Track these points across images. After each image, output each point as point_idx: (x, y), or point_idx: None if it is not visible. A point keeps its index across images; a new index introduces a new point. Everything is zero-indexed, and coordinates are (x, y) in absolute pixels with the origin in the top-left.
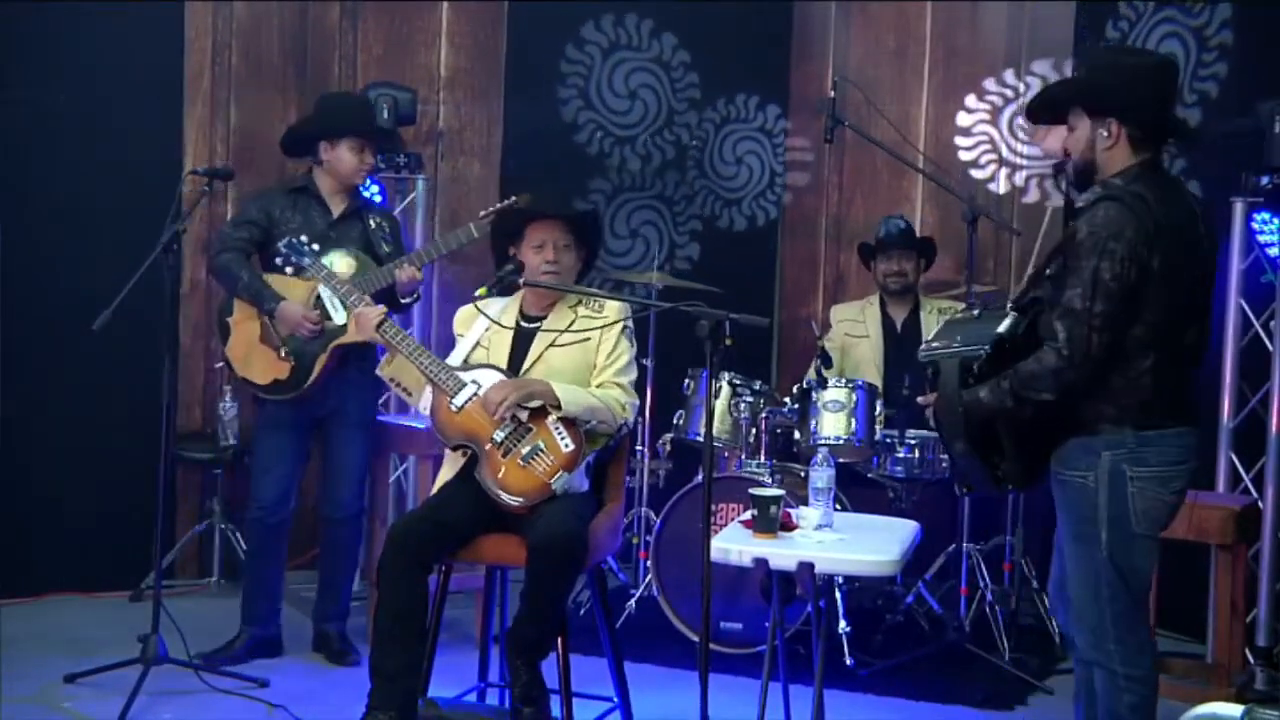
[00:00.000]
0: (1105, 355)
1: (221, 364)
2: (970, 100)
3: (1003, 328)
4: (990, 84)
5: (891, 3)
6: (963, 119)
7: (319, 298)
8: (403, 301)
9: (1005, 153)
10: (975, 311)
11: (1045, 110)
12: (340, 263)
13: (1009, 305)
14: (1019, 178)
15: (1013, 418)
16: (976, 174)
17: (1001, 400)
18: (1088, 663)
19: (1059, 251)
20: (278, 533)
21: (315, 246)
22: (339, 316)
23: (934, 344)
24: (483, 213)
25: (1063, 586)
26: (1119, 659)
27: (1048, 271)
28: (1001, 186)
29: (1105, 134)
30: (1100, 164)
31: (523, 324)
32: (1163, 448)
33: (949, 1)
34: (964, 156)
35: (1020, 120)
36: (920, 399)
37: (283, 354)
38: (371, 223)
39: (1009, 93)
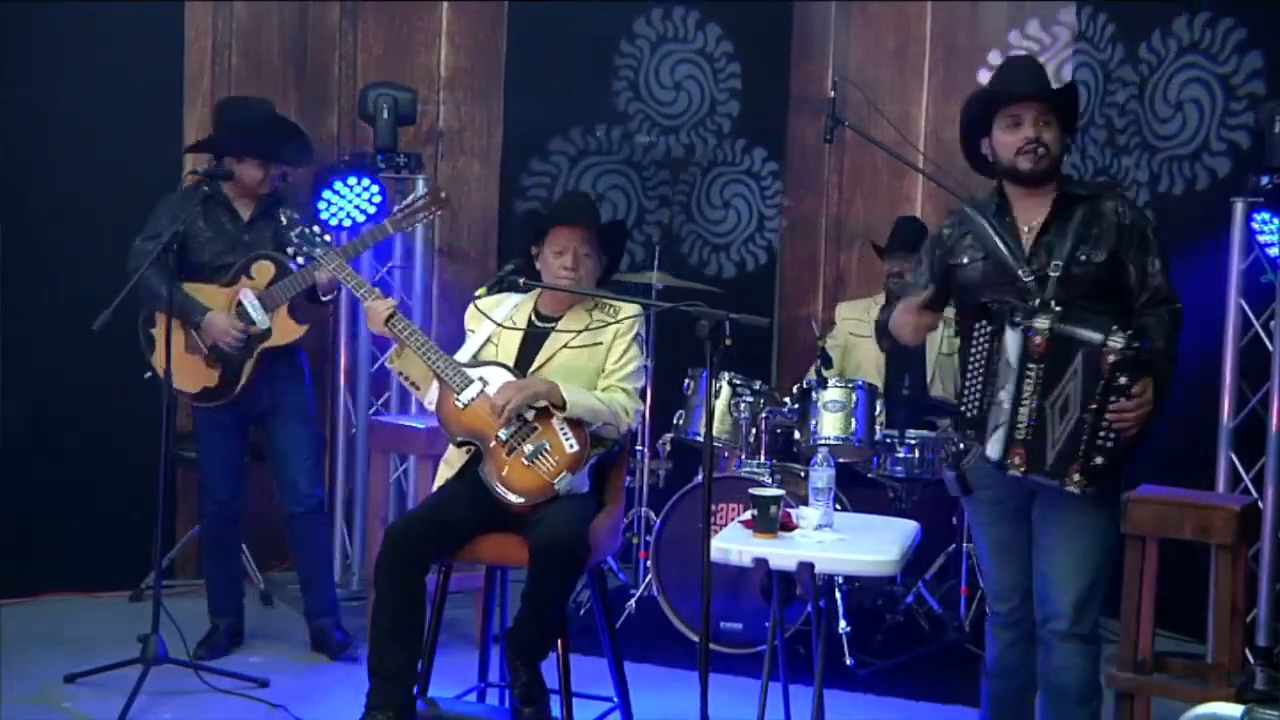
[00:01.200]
0: None
1: (149, 374)
2: (994, 57)
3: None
4: (1014, 37)
5: (891, 3)
6: (986, 77)
7: (240, 305)
8: (323, 299)
9: None
10: (1057, 308)
11: (1062, 104)
12: (259, 269)
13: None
14: None
15: None
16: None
17: (1172, 365)
18: (1069, 637)
19: (1085, 239)
20: (235, 525)
21: (328, 238)
22: (262, 321)
23: (1115, 335)
24: (399, 207)
25: (1024, 581)
26: (1096, 627)
27: (1084, 258)
28: None
29: (1065, 142)
30: (1055, 168)
31: (535, 324)
32: None
33: (949, 1)
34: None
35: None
36: (1136, 388)
37: (209, 361)
38: (283, 219)
39: (1034, 45)
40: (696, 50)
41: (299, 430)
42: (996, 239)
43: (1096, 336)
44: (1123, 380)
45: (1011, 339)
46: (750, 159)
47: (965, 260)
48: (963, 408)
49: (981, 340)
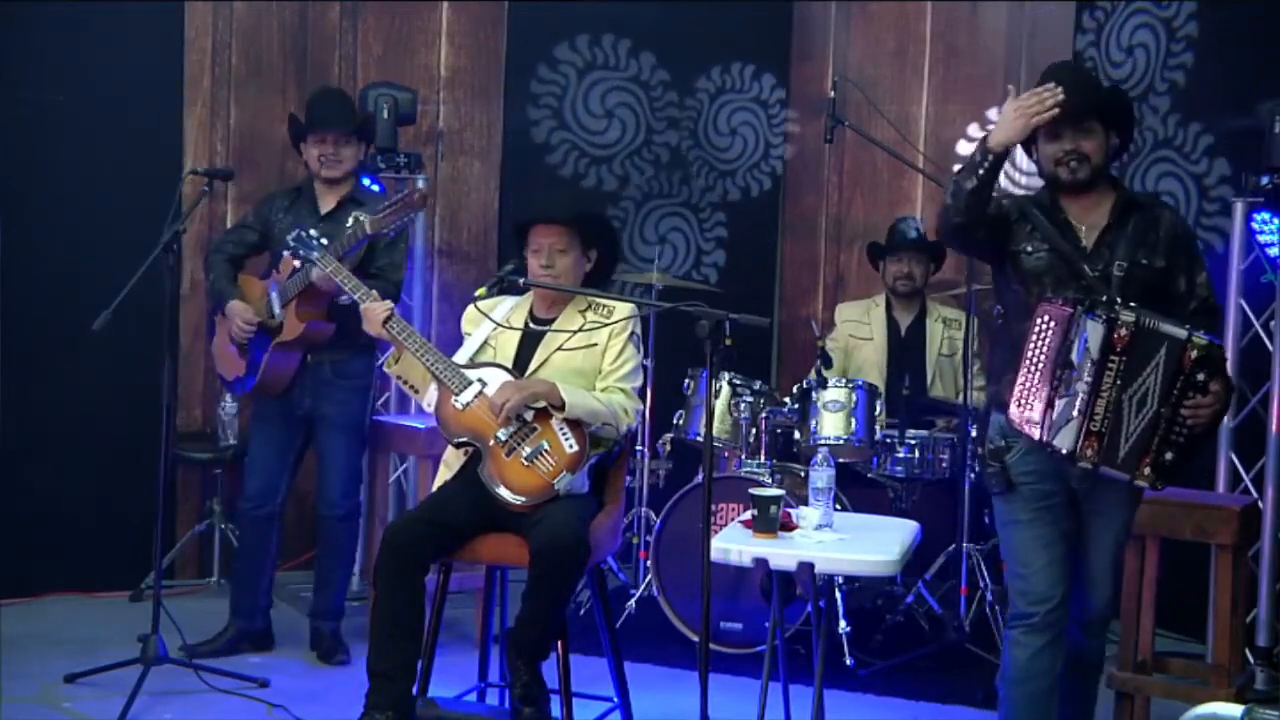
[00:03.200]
0: None
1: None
2: (974, 130)
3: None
4: (994, 114)
5: (892, 3)
6: (964, 148)
7: (269, 297)
8: (339, 300)
9: (1006, 183)
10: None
11: (1082, 109)
12: (285, 263)
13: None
14: None
15: None
16: None
17: None
18: (1097, 626)
19: (1142, 244)
20: (265, 526)
21: (325, 241)
22: (279, 314)
23: (1202, 335)
24: (378, 208)
25: (1064, 581)
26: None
27: (1145, 263)
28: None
29: (1111, 147)
30: (1100, 171)
31: (531, 325)
32: None
33: (949, 1)
34: (991, 114)
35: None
36: (1215, 385)
37: (240, 351)
38: (351, 220)
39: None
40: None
41: (340, 439)
42: (1055, 234)
43: (1181, 333)
44: (1201, 377)
45: (1094, 330)
46: (759, 85)
47: (1029, 249)
48: (1018, 404)
49: (1045, 332)
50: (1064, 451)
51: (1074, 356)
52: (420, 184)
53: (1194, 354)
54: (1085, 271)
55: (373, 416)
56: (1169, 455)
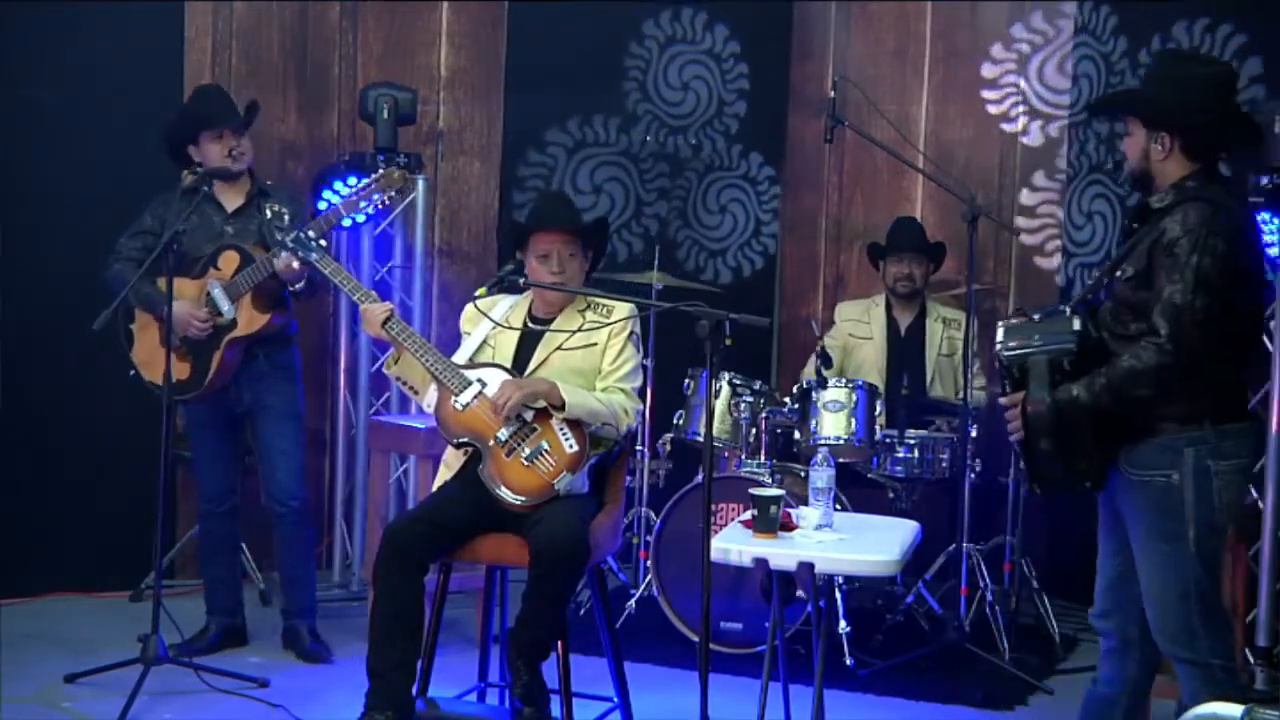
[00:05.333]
0: (1204, 351)
1: (132, 371)
2: (997, 49)
3: (1077, 326)
4: (1019, 29)
5: (892, 3)
6: (988, 70)
7: (209, 295)
8: (293, 289)
9: (1036, 103)
10: (1035, 315)
11: (1105, 111)
12: (225, 259)
13: (1066, 309)
14: (1053, 128)
15: (1101, 416)
16: (1007, 127)
17: (1097, 398)
18: (1180, 661)
19: (1133, 252)
20: (225, 524)
21: (323, 242)
22: (229, 311)
23: (1011, 344)
24: (351, 190)
25: (1114, 588)
26: (1212, 652)
27: (1120, 273)
28: (1036, 139)
29: (1159, 146)
30: (1155, 173)
31: (530, 325)
32: (1239, 440)
33: (949, 1)
34: (992, 110)
35: (1050, 68)
36: (1003, 399)
37: (180, 355)
38: (268, 212)
39: (1038, 39)
40: (705, 51)
41: (284, 428)
42: (1120, 242)
43: (998, 338)
44: (1007, 386)
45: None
46: (747, 164)
47: None
48: None
49: None
50: None
51: None
52: (420, 184)
53: (997, 364)
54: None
55: (373, 416)
56: (1022, 463)
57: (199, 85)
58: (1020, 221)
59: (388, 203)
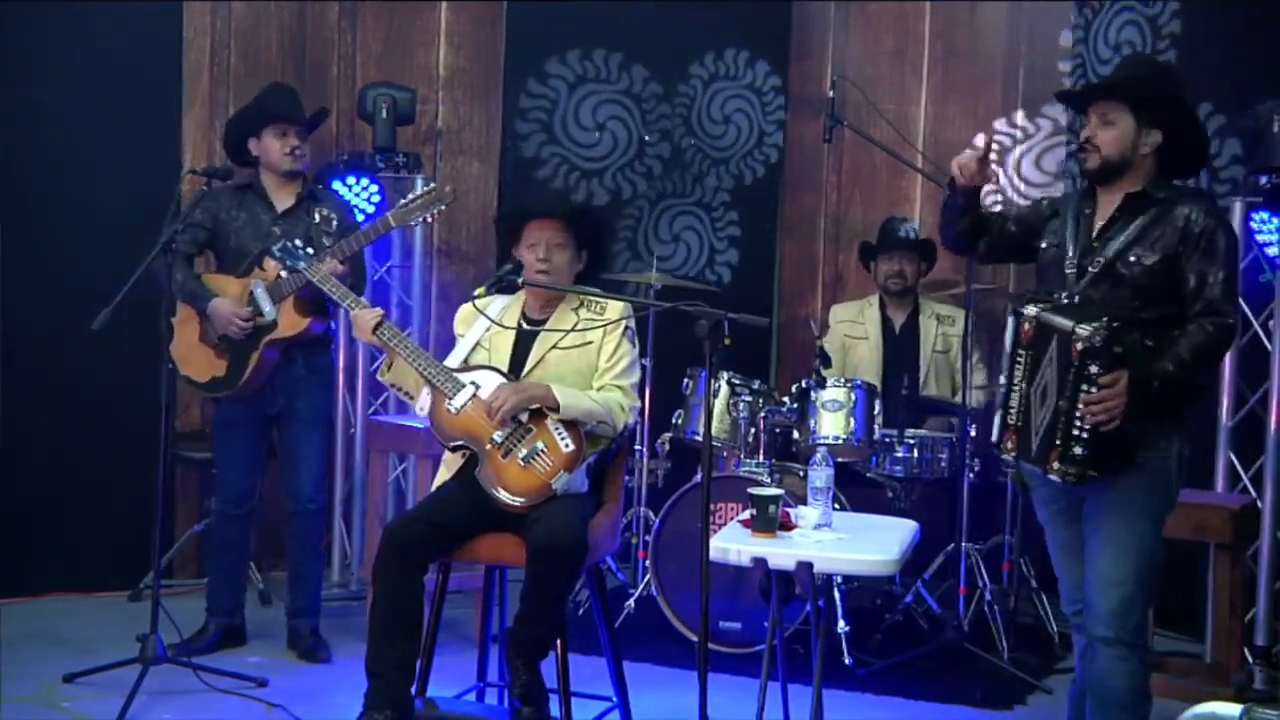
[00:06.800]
0: None
1: (170, 365)
2: (978, 142)
3: (1116, 309)
4: (1000, 124)
5: (891, 2)
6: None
7: (251, 295)
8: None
9: (1011, 194)
10: (1064, 301)
11: (1086, 99)
12: (269, 263)
13: (1065, 296)
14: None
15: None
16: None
17: (1184, 373)
18: (1112, 643)
19: (1140, 240)
20: (240, 526)
21: (310, 250)
22: (270, 312)
23: (1089, 324)
24: (403, 201)
25: (1082, 585)
26: (1141, 635)
27: (1133, 259)
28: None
29: (1146, 144)
30: (1133, 166)
31: (525, 325)
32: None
33: (948, 1)
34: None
35: (1027, 164)
36: (1105, 379)
37: (219, 352)
38: (316, 216)
39: (1018, 134)
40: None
41: (311, 434)
42: (1071, 227)
43: (1067, 324)
44: (1092, 369)
45: (1010, 325)
46: (753, 73)
47: (1044, 244)
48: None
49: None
50: (993, 443)
51: (1005, 351)
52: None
53: (1079, 346)
54: (1064, 266)
55: (372, 416)
56: (1077, 450)
57: (272, 81)
58: None
59: (435, 217)
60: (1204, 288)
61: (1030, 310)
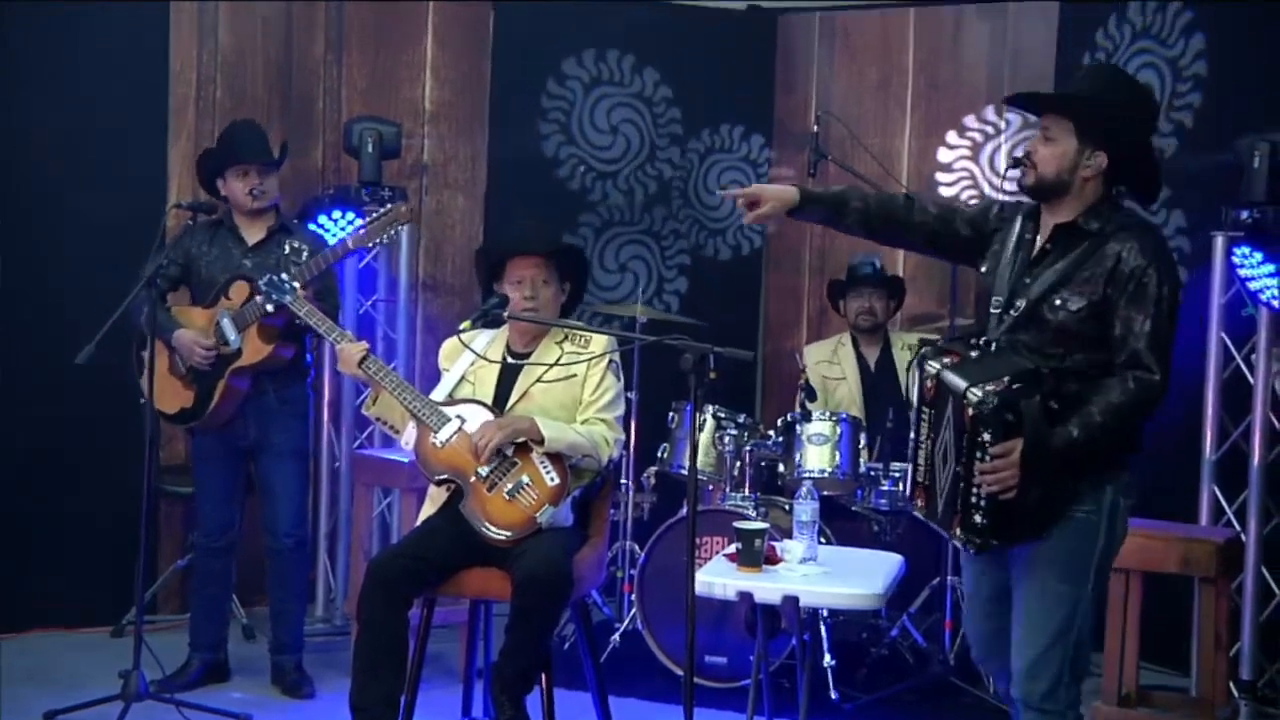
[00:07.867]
0: None
1: (144, 400)
2: (951, 136)
3: (1028, 364)
4: (971, 120)
5: (874, 36)
6: (944, 155)
7: (218, 325)
8: (296, 323)
9: (987, 189)
10: (972, 354)
11: (1030, 104)
12: (236, 290)
13: (991, 343)
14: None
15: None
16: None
17: (1093, 436)
18: (1027, 708)
19: (1069, 281)
20: (222, 559)
21: (296, 285)
22: (235, 341)
23: (985, 387)
24: (360, 223)
25: (995, 639)
26: (1054, 701)
27: (1059, 302)
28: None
29: (1088, 165)
30: (1073, 189)
31: (509, 359)
32: (1133, 476)
33: (931, 35)
34: (945, 192)
35: (999, 158)
36: (995, 448)
37: (186, 383)
38: (287, 248)
39: (989, 129)
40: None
41: (287, 466)
42: (1009, 253)
43: (960, 384)
44: (985, 437)
45: (914, 378)
46: (748, 146)
47: (983, 268)
48: None
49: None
50: (907, 499)
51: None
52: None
53: (969, 411)
54: (990, 304)
55: (357, 450)
56: (976, 518)
57: (233, 120)
58: None
59: (393, 237)
60: (1129, 337)
61: (932, 367)
